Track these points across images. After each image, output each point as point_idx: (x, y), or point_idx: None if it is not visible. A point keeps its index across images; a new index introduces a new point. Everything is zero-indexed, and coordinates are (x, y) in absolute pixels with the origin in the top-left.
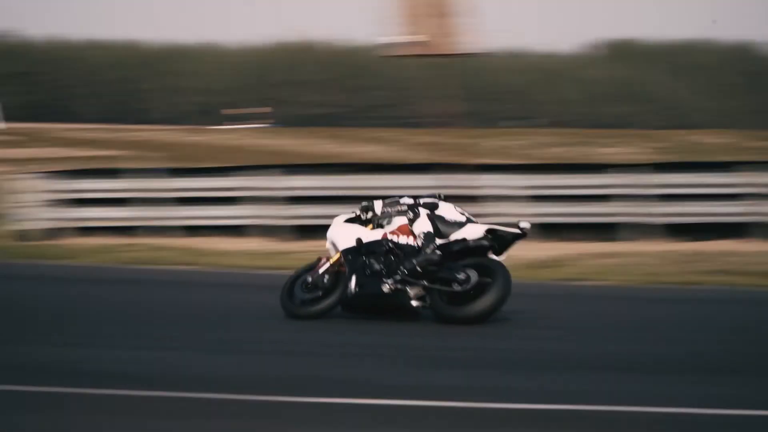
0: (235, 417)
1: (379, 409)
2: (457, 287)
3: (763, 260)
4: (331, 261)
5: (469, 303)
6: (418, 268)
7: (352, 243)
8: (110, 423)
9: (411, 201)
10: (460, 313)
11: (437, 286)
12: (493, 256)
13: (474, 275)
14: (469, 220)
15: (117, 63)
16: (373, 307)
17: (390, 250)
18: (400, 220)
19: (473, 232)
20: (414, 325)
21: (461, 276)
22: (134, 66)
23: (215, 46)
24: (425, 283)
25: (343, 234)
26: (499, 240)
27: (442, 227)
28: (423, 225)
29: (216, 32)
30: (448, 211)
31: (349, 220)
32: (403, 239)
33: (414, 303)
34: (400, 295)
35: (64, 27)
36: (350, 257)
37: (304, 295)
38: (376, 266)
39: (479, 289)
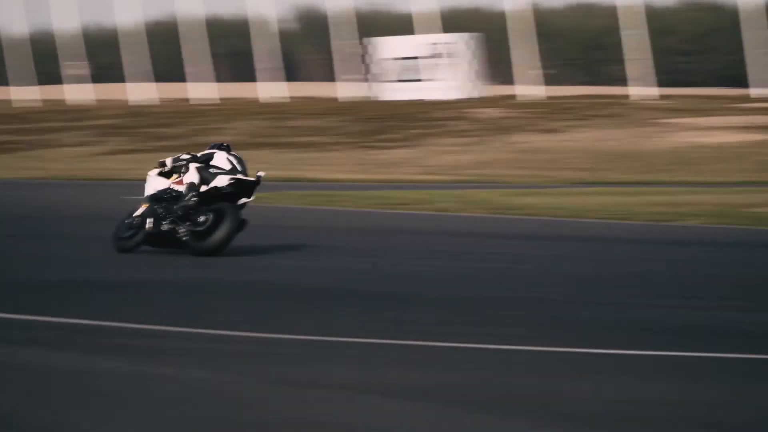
0: None
1: None
2: (198, 227)
3: None
4: (143, 206)
5: (206, 238)
6: (179, 212)
7: (152, 192)
8: None
9: (188, 156)
10: (201, 246)
11: (187, 226)
12: (244, 200)
13: (210, 216)
14: (232, 170)
15: None
16: (160, 242)
17: (170, 198)
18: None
19: (221, 180)
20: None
21: (201, 218)
22: None
23: None
24: (187, 223)
25: (150, 184)
26: (243, 186)
27: (206, 176)
28: (189, 176)
29: None
30: (219, 160)
31: (160, 174)
32: (179, 188)
33: (184, 239)
34: (172, 233)
35: None
36: (149, 203)
37: (123, 233)
38: (159, 210)
39: (214, 228)
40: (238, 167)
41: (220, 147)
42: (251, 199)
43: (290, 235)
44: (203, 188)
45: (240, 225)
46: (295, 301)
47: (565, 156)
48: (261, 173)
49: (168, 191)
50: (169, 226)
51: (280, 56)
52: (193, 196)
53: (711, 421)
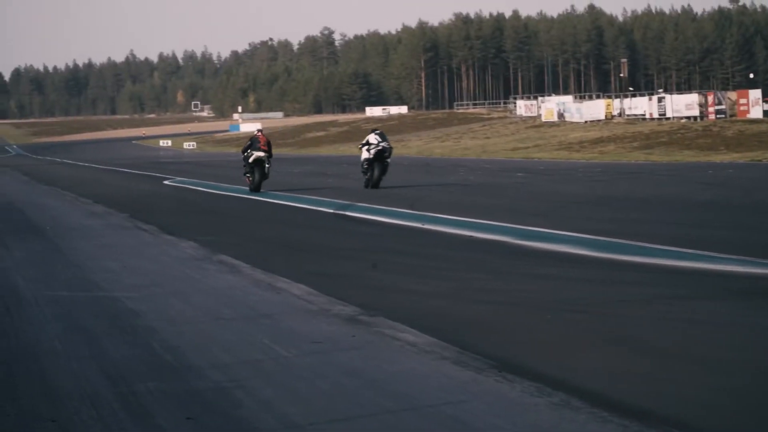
0: None
1: None
2: (367, 173)
3: None
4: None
5: (370, 176)
6: (364, 165)
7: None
8: None
9: (364, 141)
10: (369, 182)
11: (365, 171)
12: (387, 160)
13: (372, 167)
14: (377, 144)
15: None
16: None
17: (365, 160)
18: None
19: (367, 154)
20: None
21: (367, 168)
22: None
23: None
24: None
25: (362, 154)
26: (378, 153)
27: (368, 149)
28: (363, 152)
29: None
30: (371, 138)
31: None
32: (365, 155)
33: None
34: (365, 173)
35: None
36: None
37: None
38: (364, 165)
39: (370, 172)
40: (380, 140)
41: (373, 131)
42: (388, 159)
43: None
44: (365, 155)
45: (383, 170)
46: None
47: None
48: (385, 143)
49: (364, 159)
50: (364, 167)
51: None
52: (365, 161)
53: None
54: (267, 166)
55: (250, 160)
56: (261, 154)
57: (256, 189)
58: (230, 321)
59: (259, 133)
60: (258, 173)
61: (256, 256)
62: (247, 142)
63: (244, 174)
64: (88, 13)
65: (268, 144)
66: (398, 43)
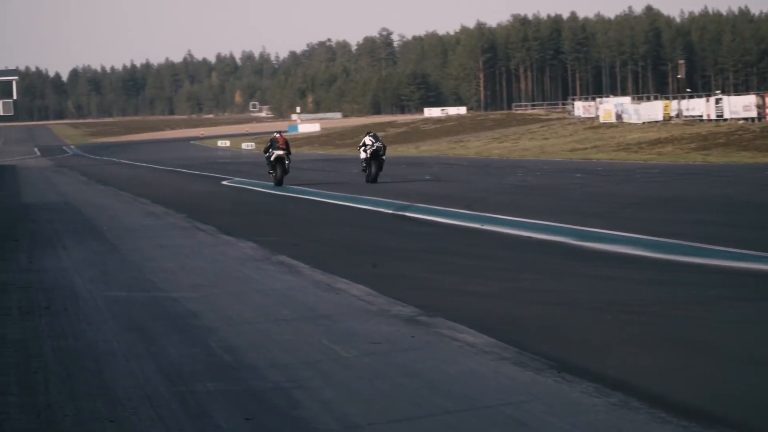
0: None
1: None
2: (365, 169)
3: None
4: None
5: (369, 172)
6: (363, 164)
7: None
8: None
9: (362, 143)
10: (368, 178)
11: (363, 168)
12: (383, 158)
13: (369, 165)
14: (372, 144)
15: None
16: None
17: (363, 159)
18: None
19: (365, 154)
20: None
21: (365, 165)
22: None
23: None
24: (363, 166)
25: (361, 155)
26: (374, 153)
27: (365, 150)
28: (362, 152)
29: None
30: (366, 140)
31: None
32: (363, 155)
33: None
34: (365, 169)
35: None
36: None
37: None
38: (362, 163)
39: (369, 168)
40: (374, 141)
41: (368, 133)
42: (383, 157)
43: None
44: (363, 155)
45: (380, 167)
46: None
47: None
48: (379, 143)
49: (363, 158)
50: (363, 166)
51: None
52: (363, 160)
53: None
54: (287, 162)
55: (272, 158)
56: (281, 152)
57: (279, 183)
58: (289, 321)
59: (278, 135)
60: (279, 169)
61: (316, 257)
62: (267, 143)
63: (268, 172)
64: (147, 13)
65: (286, 143)
66: (456, 44)
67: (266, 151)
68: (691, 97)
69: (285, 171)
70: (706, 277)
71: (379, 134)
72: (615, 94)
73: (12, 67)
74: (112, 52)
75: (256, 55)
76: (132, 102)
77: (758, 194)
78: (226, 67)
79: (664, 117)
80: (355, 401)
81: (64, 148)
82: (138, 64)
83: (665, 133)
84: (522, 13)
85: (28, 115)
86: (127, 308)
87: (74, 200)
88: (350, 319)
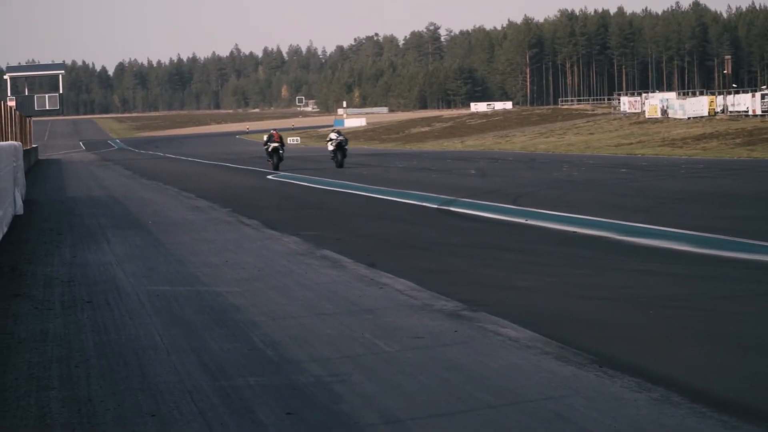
0: None
1: None
2: (333, 157)
3: None
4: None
5: (337, 159)
6: (331, 154)
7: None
8: None
9: (329, 137)
10: (336, 163)
11: (332, 157)
12: (346, 149)
13: (336, 154)
14: (336, 138)
15: None
16: (335, 159)
17: (331, 150)
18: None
19: (331, 146)
20: None
21: (332, 155)
22: None
23: None
24: (332, 156)
25: (328, 147)
26: (339, 145)
27: (332, 143)
28: (329, 144)
29: None
30: (332, 135)
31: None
32: (330, 147)
33: (332, 159)
34: (333, 158)
35: None
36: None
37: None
38: (330, 152)
39: (336, 157)
40: (338, 135)
41: (332, 131)
42: (346, 147)
43: None
44: (331, 147)
45: (344, 155)
46: None
47: None
48: (341, 137)
49: (330, 150)
50: (331, 156)
51: None
52: (331, 151)
53: None
54: (281, 152)
55: (269, 149)
56: (276, 144)
57: (275, 168)
58: (332, 316)
59: (274, 131)
60: (276, 158)
61: (360, 251)
62: (265, 137)
63: (267, 160)
64: (193, 7)
65: (281, 138)
66: (503, 39)
67: (265, 144)
68: (736, 92)
69: (280, 159)
70: (750, 273)
71: (425, 129)
72: (661, 90)
73: (58, 61)
74: (159, 46)
75: (303, 49)
76: (178, 96)
77: None
78: (273, 61)
79: (709, 112)
80: (397, 396)
81: (109, 142)
82: (184, 58)
83: (710, 128)
84: (569, 8)
85: (74, 109)
86: (170, 302)
87: (118, 194)
88: (393, 314)
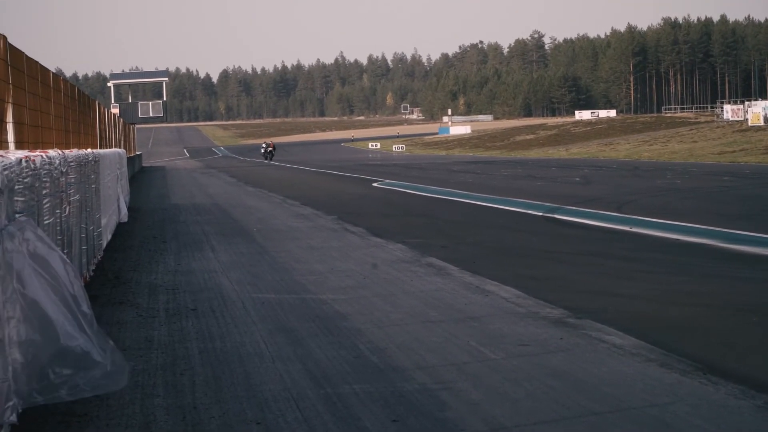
0: None
1: None
2: (266, 158)
3: None
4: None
5: (269, 160)
6: (264, 155)
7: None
8: None
9: (265, 141)
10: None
11: (265, 156)
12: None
13: (268, 154)
14: (267, 147)
15: None
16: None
17: (264, 153)
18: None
19: (269, 150)
20: None
21: (267, 156)
22: None
23: None
24: (266, 158)
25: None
26: (268, 150)
27: (265, 148)
28: (262, 149)
29: None
30: (263, 143)
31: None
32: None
33: (266, 160)
34: (266, 157)
35: None
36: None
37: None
38: (263, 153)
39: (268, 157)
40: (267, 146)
41: (264, 141)
42: (274, 153)
43: None
44: (263, 151)
45: (272, 157)
46: None
47: None
48: (269, 141)
49: (262, 152)
50: (264, 157)
51: None
52: (262, 154)
53: None
54: (272, 155)
55: (263, 153)
56: (270, 149)
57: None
58: (437, 323)
59: (269, 140)
60: (269, 159)
61: (465, 259)
62: (262, 144)
63: (264, 158)
64: (298, 15)
65: (273, 146)
66: (607, 47)
67: (262, 149)
68: None
69: (271, 159)
70: None
71: (529, 137)
72: (764, 98)
73: (162, 68)
74: (263, 53)
75: (408, 57)
76: (282, 103)
77: None
78: (378, 68)
79: None
80: (502, 403)
81: (213, 149)
82: (289, 65)
83: None
84: (672, 16)
85: (178, 116)
86: (275, 310)
87: (222, 202)
88: (498, 321)
